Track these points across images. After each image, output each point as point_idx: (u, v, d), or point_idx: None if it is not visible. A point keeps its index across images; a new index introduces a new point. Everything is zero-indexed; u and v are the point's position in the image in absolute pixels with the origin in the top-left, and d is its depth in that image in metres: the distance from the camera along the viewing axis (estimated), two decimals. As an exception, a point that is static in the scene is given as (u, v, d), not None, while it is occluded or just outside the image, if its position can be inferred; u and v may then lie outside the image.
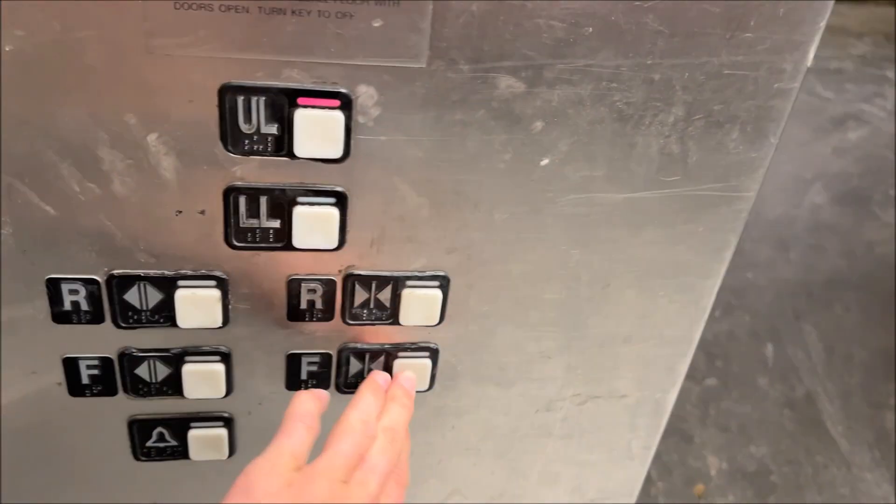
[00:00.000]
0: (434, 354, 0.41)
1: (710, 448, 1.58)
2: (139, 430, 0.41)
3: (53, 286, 0.35)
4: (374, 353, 0.40)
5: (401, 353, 0.40)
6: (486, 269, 0.38)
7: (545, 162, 0.35)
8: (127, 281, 0.35)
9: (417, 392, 0.42)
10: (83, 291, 0.35)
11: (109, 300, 0.36)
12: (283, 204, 0.34)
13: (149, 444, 0.41)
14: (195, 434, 0.41)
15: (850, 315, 2.01)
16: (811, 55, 0.35)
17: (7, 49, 0.29)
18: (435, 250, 0.37)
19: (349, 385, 0.41)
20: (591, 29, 0.32)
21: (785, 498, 1.52)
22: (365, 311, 0.38)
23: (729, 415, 1.68)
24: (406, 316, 0.39)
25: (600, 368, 0.44)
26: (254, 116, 0.32)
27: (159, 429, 0.41)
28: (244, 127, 0.32)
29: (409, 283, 0.38)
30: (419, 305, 0.38)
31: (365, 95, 0.32)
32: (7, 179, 0.32)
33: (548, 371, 0.43)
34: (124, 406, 0.40)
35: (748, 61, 0.34)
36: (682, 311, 0.42)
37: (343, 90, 0.32)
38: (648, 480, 1.51)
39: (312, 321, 0.38)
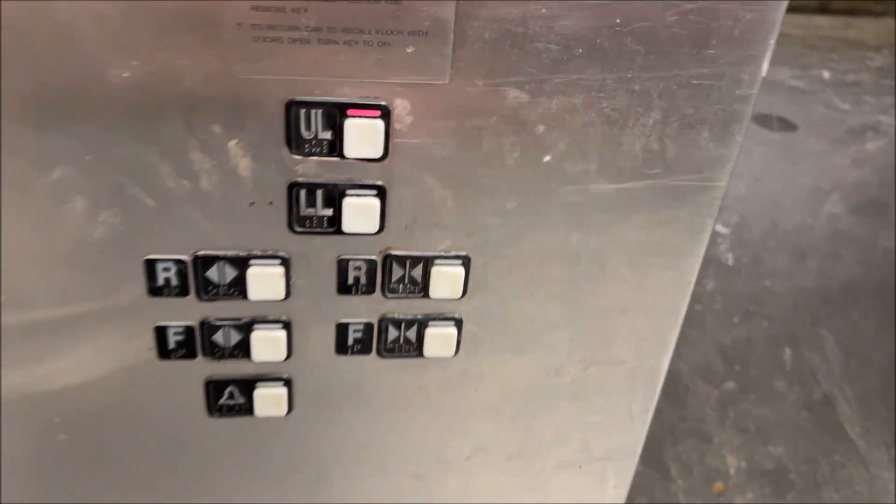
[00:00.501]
0: (458, 324, 0.49)
1: (728, 448, 1.63)
2: (214, 389, 0.49)
3: (150, 265, 0.43)
4: (409, 323, 0.48)
5: (430, 323, 0.48)
6: (500, 249, 0.46)
7: (547, 158, 0.43)
8: (208, 260, 0.44)
9: (446, 358, 0.50)
10: (173, 269, 0.44)
11: (194, 277, 0.44)
12: (334, 196, 0.42)
13: (221, 401, 0.49)
14: (260, 393, 0.49)
15: (867, 320, 2.05)
16: (765, 67, 0.42)
17: (125, 75, 0.37)
18: (458, 234, 0.45)
19: (388, 350, 0.49)
20: (581, 50, 0.40)
21: (803, 495, 1.56)
22: (401, 286, 0.46)
23: (747, 416, 1.72)
24: (435, 290, 0.47)
25: (601, 337, 0.51)
26: (313, 125, 0.40)
27: (230, 388, 0.49)
28: (305, 133, 0.40)
29: (437, 262, 0.46)
30: (445, 281, 0.46)
31: (400, 107, 0.40)
32: (119, 178, 0.40)
33: (555, 340, 0.51)
34: (201, 368, 0.48)
35: (712, 73, 0.41)
36: (669, 286, 0.49)
37: (383, 103, 0.40)
38: (668, 478, 1.56)
39: (357, 294, 0.46)
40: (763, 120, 3.05)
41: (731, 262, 2.22)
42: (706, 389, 1.78)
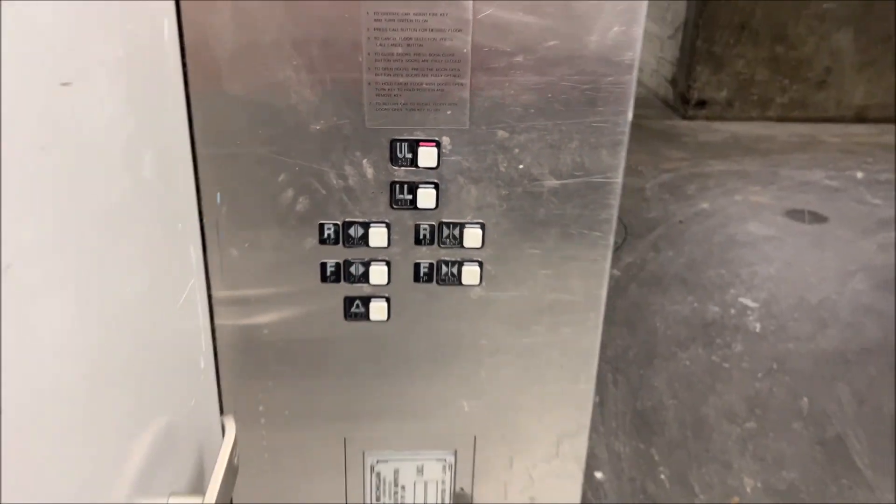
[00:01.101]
0: (481, 265, 0.88)
1: (746, 472, 1.90)
2: (348, 303, 0.89)
3: (321, 227, 0.85)
4: (453, 263, 0.88)
5: (465, 263, 0.88)
6: (499, 219, 0.86)
7: (521, 167, 0.84)
8: (350, 223, 0.85)
9: (473, 285, 0.89)
10: (332, 229, 0.85)
11: (342, 233, 0.86)
12: (413, 188, 0.84)
13: (351, 310, 0.90)
14: (373, 305, 0.89)
15: (883, 376, 2.29)
16: (630, 116, 0.82)
17: (317, 128, 0.81)
18: (477, 209, 0.86)
19: (442, 280, 0.89)
20: (533, 110, 0.81)
21: (813, 512, 1.80)
22: (448, 240, 0.87)
23: (765, 449, 1.99)
24: (467, 243, 0.87)
25: (564, 276, 0.90)
26: (403, 151, 0.82)
27: (357, 301, 0.89)
28: (399, 155, 0.83)
29: (467, 226, 0.86)
30: (472, 237, 0.87)
31: (445, 141, 0.82)
32: (309, 179, 0.83)
33: (538, 277, 0.89)
34: (342, 289, 0.89)
35: (602, 120, 0.82)
36: (596, 242, 0.88)
37: (437, 139, 0.82)
38: (693, 494, 1.84)
39: (424, 245, 0.87)
40: (796, 214, 3.37)
41: (758, 329, 2.51)
42: (729, 428, 2.06)
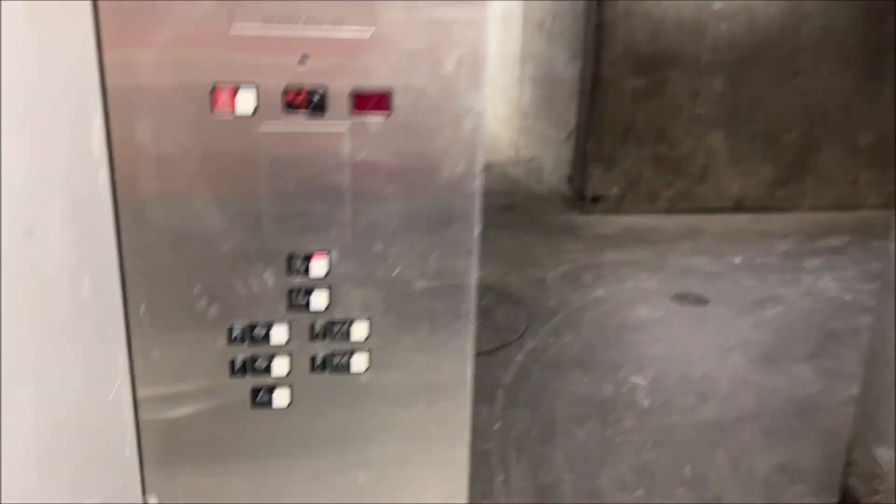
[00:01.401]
0: (369, 353, 1.07)
1: (635, 536, 2.08)
2: (254, 392, 1.06)
3: (230, 328, 1.03)
4: (343, 353, 1.06)
5: (354, 353, 1.07)
6: (382, 314, 1.06)
7: (395, 273, 1.04)
8: (254, 325, 1.03)
9: (362, 371, 1.07)
10: (240, 329, 1.03)
11: (248, 333, 1.03)
12: (309, 292, 1.03)
13: (257, 400, 1.06)
14: (276, 393, 1.06)
15: (755, 440, 2.54)
16: (477, 230, 1.04)
17: (226, 247, 1.00)
18: (362, 307, 1.05)
19: (335, 368, 1.07)
20: (402, 228, 1.02)
21: (694, 568, 1.99)
22: (338, 335, 1.05)
23: (652, 514, 2.18)
24: (354, 336, 1.06)
25: (437, 360, 1.09)
26: (298, 263, 1.02)
27: (262, 391, 1.06)
28: (296, 267, 1.02)
29: (355, 322, 1.05)
30: (359, 331, 1.05)
31: (333, 253, 1.02)
32: (222, 290, 1.01)
33: (416, 362, 1.08)
34: (249, 381, 1.06)
35: (457, 235, 1.04)
36: (459, 330, 1.08)
37: (326, 251, 1.02)
38: (587, 559, 1.99)
39: (319, 340, 1.05)
40: (680, 298, 3.69)
41: (647, 405, 2.75)
42: (621, 497, 2.25)
